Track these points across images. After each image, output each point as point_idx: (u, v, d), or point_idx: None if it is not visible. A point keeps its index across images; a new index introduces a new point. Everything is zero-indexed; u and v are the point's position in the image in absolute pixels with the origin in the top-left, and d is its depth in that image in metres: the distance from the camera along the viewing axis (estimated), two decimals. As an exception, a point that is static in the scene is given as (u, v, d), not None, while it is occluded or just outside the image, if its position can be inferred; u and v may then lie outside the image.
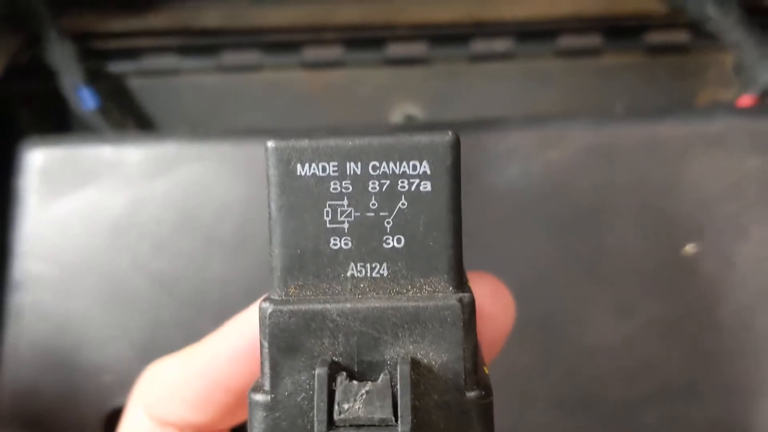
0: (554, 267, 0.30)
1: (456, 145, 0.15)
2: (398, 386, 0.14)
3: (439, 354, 0.14)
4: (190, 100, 0.41)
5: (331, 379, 0.14)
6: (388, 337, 0.14)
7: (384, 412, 0.14)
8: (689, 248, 0.30)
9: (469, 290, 0.15)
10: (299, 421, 0.14)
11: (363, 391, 0.14)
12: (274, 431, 0.15)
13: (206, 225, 0.32)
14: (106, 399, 0.32)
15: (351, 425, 0.14)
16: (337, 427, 0.14)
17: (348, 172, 0.15)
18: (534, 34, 0.39)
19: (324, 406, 0.14)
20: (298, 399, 0.15)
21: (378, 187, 0.15)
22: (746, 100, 0.35)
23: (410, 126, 0.37)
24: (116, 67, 0.41)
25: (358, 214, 0.15)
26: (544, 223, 0.31)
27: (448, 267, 0.15)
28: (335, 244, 0.15)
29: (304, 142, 0.15)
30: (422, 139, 0.15)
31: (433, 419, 0.14)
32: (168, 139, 0.34)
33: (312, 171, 0.15)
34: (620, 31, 0.39)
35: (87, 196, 0.33)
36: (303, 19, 0.40)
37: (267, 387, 0.15)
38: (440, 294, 0.15)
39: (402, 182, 0.15)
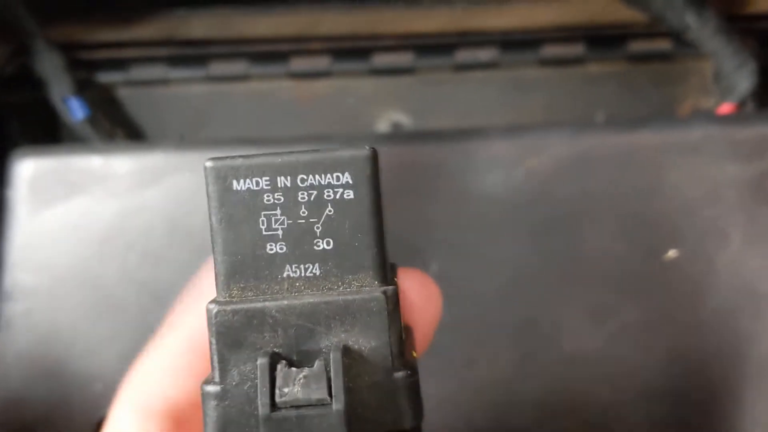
0: (534, 273, 0.31)
1: (374, 158, 0.17)
2: (332, 370, 0.16)
3: (368, 340, 0.16)
4: (179, 109, 0.41)
5: (272, 367, 0.16)
6: (322, 329, 0.16)
7: (320, 393, 0.15)
8: (671, 254, 0.31)
9: (394, 284, 0.17)
10: (246, 408, 0.16)
11: (301, 376, 0.16)
12: (225, 418, 0.16)
13: (195, 234, 0.33)
14: (96, 408, 0.32)
15: (291, 406, 0.15)
16: (279, 408, 0.15)
17: (279, 185, 0.17)
18: (518, 43, 0.40)
19: (267, 391, 0.15)
20: (245, 388, 0.16)
21: (307, 197, 0.17)
22: (726, 108, 0.36)
23: (396, 135, 0.37)
24: (105, 77, 0.41)
25: (291, 221, 0.17)
26: (524, 230, 0.31)
27: (373, 264, 0.17)
28: (271, 249, 0.17)
29: (238, 161, 0.17)
30: (344, 153, 0.17)
31: (365, 398, 0.16)
32: (157, 149, 0.34)
33: (247, 185, 0.17)
34: (603, 40, 0.40)
35: (76, 206, 0.34)
36: (290, 29, 0.40)
37: (216, 379, 0.16)
38: (367, 288, 0.16)
39: (328, 192, 0.17)
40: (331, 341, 0.16)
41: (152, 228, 0.33)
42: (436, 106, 0.40)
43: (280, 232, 0.17)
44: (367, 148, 0.17)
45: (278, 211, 0.17)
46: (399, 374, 0.16)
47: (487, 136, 0.32)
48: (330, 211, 0.17)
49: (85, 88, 0.41)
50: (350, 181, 0.17)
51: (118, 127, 0.41)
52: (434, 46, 0.40)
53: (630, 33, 0.40)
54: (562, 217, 0.31)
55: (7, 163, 0.35)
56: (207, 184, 0.17)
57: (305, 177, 0.17)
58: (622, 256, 0.31)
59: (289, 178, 0.17)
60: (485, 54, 0.40)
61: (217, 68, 0.41)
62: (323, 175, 0.17)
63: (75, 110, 0.39)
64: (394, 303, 0.16)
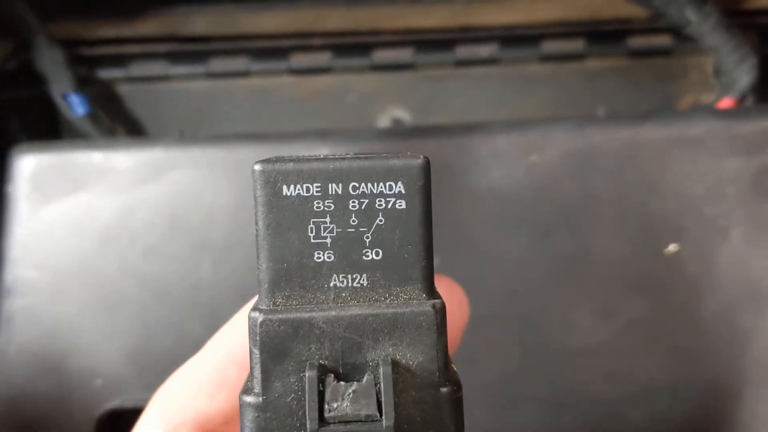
0: (537, 268, 0.31)
1: (427, 168, 0.16)
2: (381, 385, 0.15)
3: (415, 355, 0.16)
4: (179, 106, 0.41)
5: (320, 380, 0.15)
6: (369, 341, 0.16)
7: (369, 409, 0.15)
8: (671, 248, 0.31)
9: (440, 297, 0.17)
10: (288, 420, 0.16)
11: (350, 391, 0.15)
12: (265, 430, 0.16)
13: (195, 229, 0.33)
14: (98, 403, 0.32)
15: (340, 421, 0.15)
16: (328, 423, 0.15)
17: (330, 192, 0.16)
18: (518, 39, 0.40)
19: (315, 405, 0.15)
20: (288, 400, 0.16)
21: (358, 206, 0.16)
22: (726, 102, 0.36)
23: (397, 131, 0.37)
24: (105, 73, 0.41)
25: (340, 229, 0.16)
26: (527, 224, 0.31)
27: (421, 276, 0.16)
28: (319, 258, 0.16)
29: (289, 165, 0.16)
30: (397, 162, 0.16)
31: (411, 413, 0.16)
32: (157, 144, 0.34)
33: (297, 191, 0.16)
34: (603, 35, 0.40)
35: (77, 201, 0.34)
36: (290, 25, 0.40)
37: (258, 389, 0.16)
38: (415, 301, 0.16)
39: (379, 201, 0.16)
40: (378, 355, 0.16)
41: (153, 223, 0.33)
42: (437, 102, 0.40)
43: (328, 241, 0.16)
44: (421, 157, 0.16)
45: (328, 219, 0.16)
46: (445, 390, 0.16)
47: (489, 131, 0.32)
48: (381, 220, 0.16)
49: (85, 84, 0.41)
50: (402, 191, 0.16)
51: (119, 123, 0.41)
52: (435, 42, 0.40)
53: (630, 29, 0.40)
54: (565, 211, 0.31)
55: (8, 159, 0.35)
56: (255, 188, 0.16)
57: (357, 185, 0.16)
58: (624, 251, 0.31)
59: (340, 185, 0.16)
60: (486, 50, 0.40)
61: (218, 64, 0.41)
62: (376, 184, 0.16)
63: (75, 106, 0.39)
64: (442, 317, 0.16)
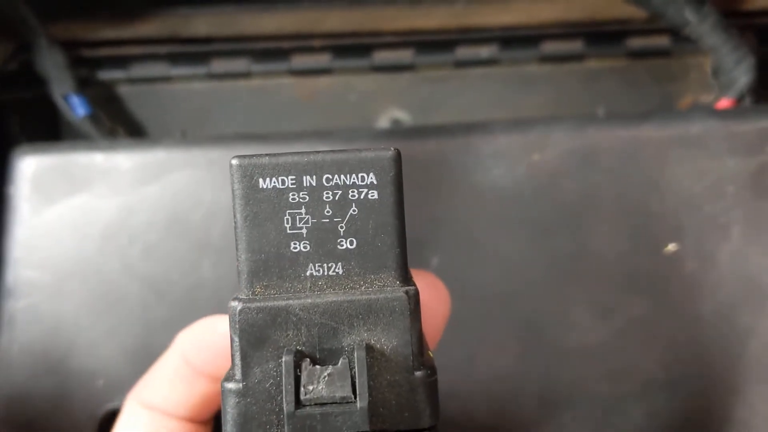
0: (537, 267, 0.31)
1: (397, 159, 0.17)
2: (356, 368, 0.16)
3: (390, 339, 0.16)
4: (180, 107, 0.42)
5: (297, 365, 0.16)
6: (345, 327, 0.16)
7: (344, 391, 0.15)
8: (671, 246, 0.31)
9: (414, 284, 0.17)
10: (268, 404, 0.16)
11: (325, 374, 0.16)
12: (246, 415, 0.16)
13: (196, 229, 0.33)
14: (99, 403, 0.32)
15: (316, 404, 0.15)
16: (304, 405, 0.15)
17: (304, 184, 0.17)
18: (518, 40, 0.40)
19: (292, 388, 0.16)
20: (267, 385, 0.16)
21: (332, 197, 0.17)
22: (725, 102, 0.36)
23: (397, 131, 0.37)
24: (106, 74, 0.42)
25: (315, 220, 0.17)
26: (528, 223, 0.31)
27: (395, 264, 0.17)
28: (295, 248, 0.17)
29: (265, 159, 0.17)
30: (369, 154, 0.17)
31: (386, 396, 0.16)
32: (158, 145, 0.34)
33: (272, 184, 0.17)
34: (602, 36, 0.40)
35: (78, 202, 0.34)
36: (291, 26, 0.41)
37: (238, 376, 0.16)
38: (389, 288, 0.17)
39: (352, 192, 0.17)
40: (353, 340, 0.16)
41: (154, 224, 0.33)
42: (437, 103, 0.40)
43: (304, 231, 0.17)
44: (392, 149, 0.17)
45: (303, 210, 0.17)
46: (419, 373, 0.16)
47: (490, 131, 0.32)
48: (354, 210, 0.17)
49: (86, 85, 0.41)
50: (374, 182, 0.17)
51: (119, 124, 0.41)
52: (435, 43, 0.40)
53: (629, 29, 0.40)
54: (565, 210, 0.31)
55: (9, 160, 0.35)
56: (232, 182, 0.17)
57: (330, 176, 0.17)
58: (624, 250, 0.31)
59: (314, 177, 0.17)
60: (485, 51, 0.40)
61: (219, 65, 0.41)
62: (348, 175, 0.17)
63: (76, 107, 0.39)
64: (415, 303, 0.17)
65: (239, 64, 0.41)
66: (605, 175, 0.32)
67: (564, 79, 0.40)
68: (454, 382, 0.31)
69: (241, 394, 0.16)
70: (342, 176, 0.17)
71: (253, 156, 0.17)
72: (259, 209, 0.17)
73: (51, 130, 0.43)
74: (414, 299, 0.16)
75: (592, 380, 0.31)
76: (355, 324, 0.16)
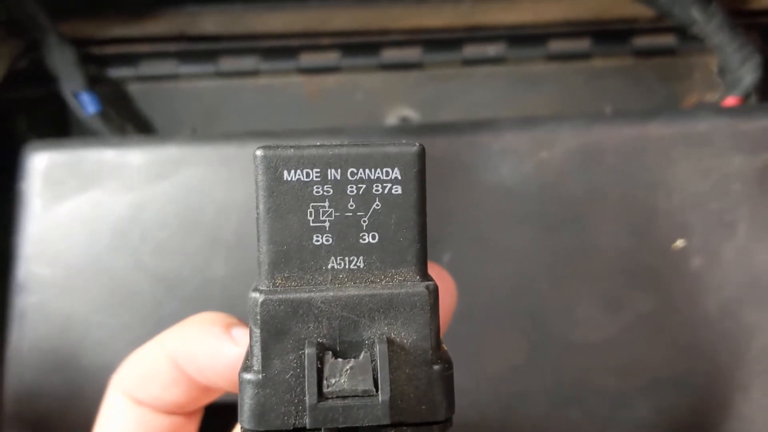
0: (545, 263, 0.31)
1: (422, 155, 0.17)
2: (378, 362, 0.16)
3: (409, 333, 0.16)
4: (188, 105, 0.42)
5: (319, 357, 0.16)
6: (365, 320, 0.16)
7: (366, 384, 0.16)
8: (679, 243, 0.31)
9: (432, 279, 0.17)
10: (287, 396, 0.16)
11: (347, 367, 0.16)
12: (265, 405, 0.16)
13: (208, 226, 0.33)
14: (110, 398, 0.32)
15: (338, 396, 0.16)
16: (326, 398, 0.16)
17: (329, 177, 0.17)
18: (525, 38, 0.40)
19: (314, 380, 0.16)
20: (287, 377, 0.16)
21: (355, 191, 0.17)
22: (731, 101, 0.37)
23: (406, 128, 0.37)
24: (115, 72, 0.42)
25: (338, 214, 0.17)
26: (535, 220, 0.32)
27: (415, 259, 0.17)
28: (317, 241, 0.17)
29: (290, 151, 0.17)
30: (394, 149, 0.17)
31: (405, 389, 0.16)
32: (170, 142, 0.34)
33: (297, 176, 0.17)
34: (609, 35, 0.40)
35: (90, 198, 0.34)
36: (299, 25, 0.41)
37: (257, 367, 0.16)
38: (409, 282, 0.17)
39: (376, 186, 0.17)
40: (374, 333, 0.16)
41: (165, 220, 0.33)
42: (444, 101, 0.41)
43: (327, 224, 0.17)
44: (417, 144, 0.17)
45: (327, 204, 0.17)
46: (437, 367, 0.16)
47: (498, 128, 0.32)
48: (377, 205, 0.17)
49: (95, 83, 0.41)
50: (399, 177, 0.17)
51: (128, 121, 0.42)
52: (442, 42, 0.40)
53: (635, 28, 0.40)
54: (572, 207, 0.31)
55: (21, 156, 0.35)
56: (256, 173, 0.17)
57: (355, 170, 0.17)
58: (631, 247, 0.32)
59: (339, 170, 0.17)
60: (493, 49, 0.40)
61: (227, 64, 0.41)
62: (373, 170, 0.17)
63: (86, 105, 0.40)
64: (435, 298, 0.17)
65: (247, 63, 0.41)
66: (612, 173, 0.32)
67: (570, 78, 0.40)
68: (463, 377, 0.31)
69: (260, 384, 0.16)
70: (367, 170, 0.17)
71: (278, 147, 0.17)
72: (283, 201, 0.17)
73: (60, 129, 0.43)
74: (434, 294, 0.17)
75: (599, 375, 0.31)
76: (376, 318, 0.16)
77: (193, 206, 0.33)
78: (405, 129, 0.36)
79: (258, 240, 0.17)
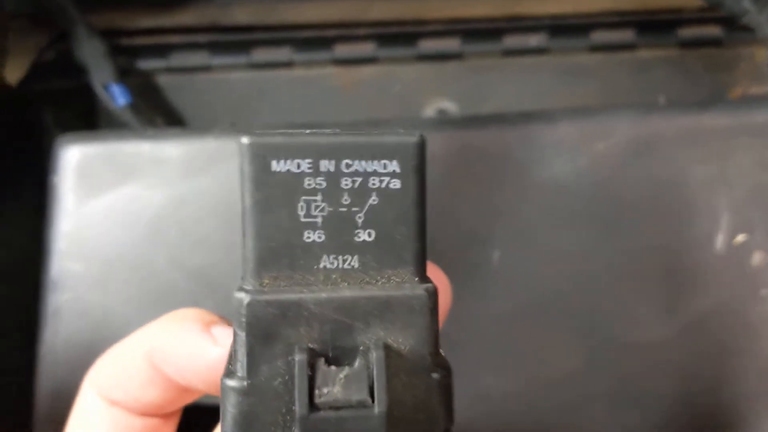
0: (600, 262, 0.30)
1: (423, 146, 0.16)
2: (374, 370, 0.15)
3: (407, 339, 0.15)
4: (220, 97, 0.41)
5: (310, 364, 0.15)
6: (360, 324, 0.15)
7: (361, 394, 0.14)
8: (740, 238, 0.30)
9: (431, 281, 0.16)
10: (274, 404, 0.15)
11: (341, 376, 0.15)
12: (250, 414, 0.15)
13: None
14: (148, 398, 0.31)
15: (330, 407, 0.14)
16: (318, 409, 0.14)
17: (322, 169, 0.15)
18: (567, 28, 0.39)
19: (305, 389, 0.14)
20: (275, 384, 0.15)
21: (351, 184, 0.15)
22: (784, 92, 0.36)
23: (452, 120, 0.36)
24: (145, 64, 0.41)
25: (332, 209, 0.16)
26: (590, 217, 0.30)
27: (414, 259, 0.16)
28: (309, 237, 0.15)
29: (279, 139, 0.15)
30: (393, 139, 0.15)
31: (402, 398, 0.15)
32: (208, 135, 0.33)
33: (287, 167, 0.15)
34: (654, 25, 0.39)
35: (125, 192, 0.33)
36: (335, 15, 0.40)
37: (242, 373, 0.15)
38: (407, 284, 0.16)
39: (373, 180, 0.16)
40: (369, 338, 0.15)
41: (204, 215, 0.32)
42: (484, 93, 0.39)
43: (319, 220, 0.16)
44: (417, 134, 0.16)
45: (319, 197, 0.15)
46: (436, 375, 0.15)
47: (550, 120, 0.31)
48: (374, 200, 0.16)
49: (125, 75, 0.40)
50: (397, 170, 0.16)
51: (158, 114, 0.41)
52: (482, 32, 0.39)
53: (681, 18, 0.39)
54: (629, 202, 0.30)
55: (53, 150, 0.34)
56: (242, 162, 0.15)
57: (350, 162, 0.15)
58: (689, 243, 0.30)
59: (333, 161, 0.15)
60: (534, 39, 0.39)
61: (261, 55, 0.40)
62: (370, 162, 0.15)
63: (117, 97, 0.39)
64: (434, 301, 0.16)
65: (281, 54, 0.40)
66: (669, 165, 0.31)
67: (614, 69, 0.39)
68: (516, 381, 0.30)
69: (244, 392, 0.15)
70: (363, 162, 0.15)
71: (265, 134, 0.15)
72: (271, 194, 0.15)
73: (87, 122, 0.42)
74: (433, 298, 0.16)
75: (658, 378, 0.30)
76: (371, 321, 0.15)
77: (233, 201, 0.32)
78: (452, 121, 0.35)
79: (243, 235, 0.16)
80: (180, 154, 0.33)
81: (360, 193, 0.16)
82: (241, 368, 0.15)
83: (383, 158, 0.15)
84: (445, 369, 0.16)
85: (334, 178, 0.15)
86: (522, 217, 0.31)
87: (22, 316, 0.35)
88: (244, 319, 0.15)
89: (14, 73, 0.41)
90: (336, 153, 0.15)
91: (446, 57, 0.39)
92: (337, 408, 0.14)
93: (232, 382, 0.15)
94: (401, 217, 0.16)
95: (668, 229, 0.30)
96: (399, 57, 0.40)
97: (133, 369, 0.20)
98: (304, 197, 0.15)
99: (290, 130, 0.15)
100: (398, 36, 0.40)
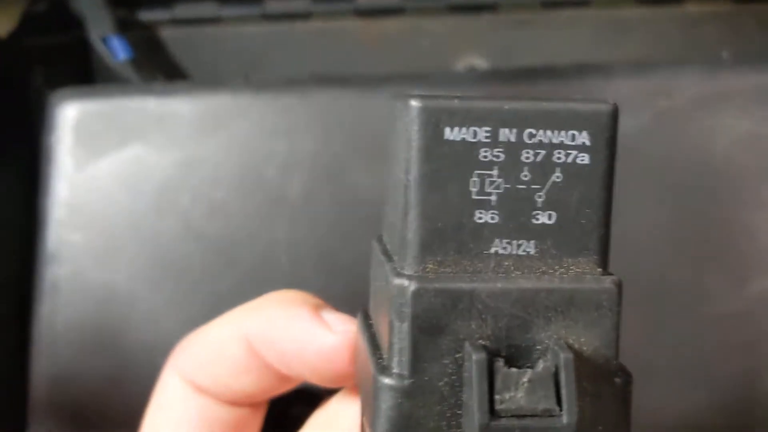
0: (668, 228, 0.28)
1: (617, 116, 0.14)
2: (563, 375, 0.13)
3: (591, 339, 0.14)
4: (230, 52, 0.38)
5: (490, 365, 0.13)
6: (540, 321, 0.14)
7: (548, 402, 0.13)
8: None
9: (612, 272, 0.15)
10: (437, 408, 0.14)
11: (524, 380, 0.13)
12: (410, 418, 0.14)
13: (269, 184, 0.29)
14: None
15: (513, 415, 0.13)
16: (500, 416, 0.13)
17: (500, 139, 0.14)
18: (611, -22, 0.36)
19: (485, 394, 0.13)
20: (440, 384, 0.14)
21: (532, 157, 0.14)
22: None
23: (500, 73, 0.33)
24: (148, 15, 0.38)
25: (508, 186, 0.14)
26: (654, 180, 0.28)
27: (598, 247, 0.14)
28: (480, 218, 0.14)
29: (455, 103, 0.14)
30: (584, 107, 0.14)
31: (584, 406, 0.14)
32: (222, 90, 0.30)
33: (462, 136, 0.14)
34: (704, -24, 0.36)
35: (130, 154, 0.30)
36: (357, -39, 0.36)
37: (404, 371, 0.14)
38: (589, 276, 0.14)
39: (558, 153, 0.14)
40: (548, 337, 0.14)
41: (219, 178, 0.30)
42: (520, 49, 0.36)
43: (493, 198, 0.14)
44: (610, 102, 0.14)
45: (495, 172, 0.14)
46: (618, 380, 0.14)
47: (608, 74, 0.28)
48: (558, 177, 0.14)
49: (125, 28, 0.37)
50: (587, 143, 0.14)
51: (162, 71, 0.37)
52: (518, -19, 0.36)
53: (733, -30, 0.36)
54: (697, 164, 0.28)
55: (48, 107, 0.31)
56: (410, 130, 0.14)
57: (534, 132, 0.14)
58: (758, 207, 0.28)
59: (515, 131, 0.14)
60: (575, -10, 0.36)
61: (275, 5, 0.37)
62: (556, 132, 0.14)
63: (117, 51, 0.35)
64: (622, 297, 0.14)
65: (297, 4, 0.37)
66: (737, 126, 0.28)
67: (661, 24, 0.36)
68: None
69: (405, 392, 0.14)
70: (548, 132, 0.14)
71: (438, 97, 0.14)
72: (443, 166, 0.14)
73: (82, 81, 0.39)
74: (620, 292, 0.14)
75: (728, 351, 0.28)
76: (552, 318, 0.14)
77: (252, 162, 0.30)
78: (498, 73, 0.32)
79: (405, 213, 0.14)
80: (190, 111, 0.30)
81: (542, 169, 0.14)
82: (399, 365, 0.14)
83: (572, 128, 0.14)
84: (627, 374, 0.15)
85: (514, 150, 0.14)
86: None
87: (11, 292, 0.32)
88: (408, 309, 0.14)
89: (3, 26, 0.37)
90: (519, 121, 0.14)
91: (479, 8, 0.36)
92: (521, 416, 0.13)
93: (388, 380, 0.14)
94: (587, 198, 0.14)
95: (741, 194, 0.28)
96: (427, 8, 0.37)
97: (226, 354, 0.19)
98: (477, 171, 0.14)
99: (462, 95, 0.14)
100: (427, -16, 0.36)
